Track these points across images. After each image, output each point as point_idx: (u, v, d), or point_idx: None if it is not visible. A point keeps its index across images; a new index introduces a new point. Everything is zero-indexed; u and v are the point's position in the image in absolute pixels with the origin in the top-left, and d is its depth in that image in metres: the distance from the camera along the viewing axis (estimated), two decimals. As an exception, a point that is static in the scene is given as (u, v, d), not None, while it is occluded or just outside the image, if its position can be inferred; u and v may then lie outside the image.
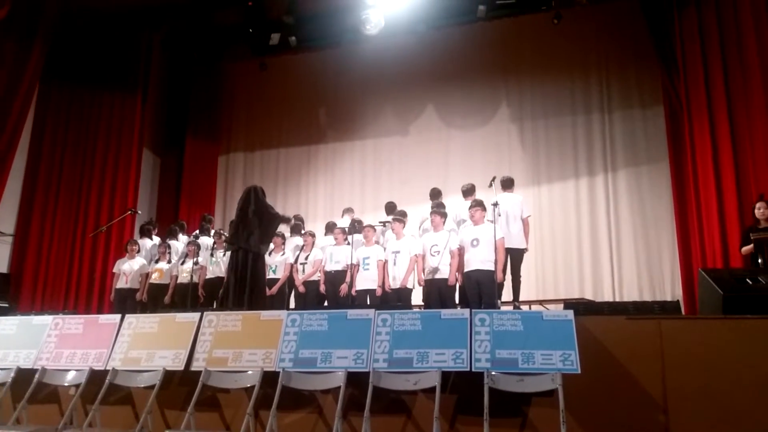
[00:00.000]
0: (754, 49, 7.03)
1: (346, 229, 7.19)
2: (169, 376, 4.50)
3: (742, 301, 4.07)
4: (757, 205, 5.99)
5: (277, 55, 10.50)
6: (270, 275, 6.91)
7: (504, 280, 6.49)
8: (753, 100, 6.99)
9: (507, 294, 6.80)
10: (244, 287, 5.68)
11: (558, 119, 9.49)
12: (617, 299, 8.31)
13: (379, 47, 9.93)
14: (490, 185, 6.44)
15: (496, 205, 6.22)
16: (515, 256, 6.79)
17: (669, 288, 8.30)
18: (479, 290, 6.05)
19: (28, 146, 9.19)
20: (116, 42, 9.92)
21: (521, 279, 6.83)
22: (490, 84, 9.98)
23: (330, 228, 7.83)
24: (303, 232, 7.69)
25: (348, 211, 8.19)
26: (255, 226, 5.83)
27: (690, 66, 7.57)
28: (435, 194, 7.45)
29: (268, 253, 6.91)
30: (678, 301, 4.64)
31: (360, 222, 7.34)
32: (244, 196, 6.00)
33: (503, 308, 6.07)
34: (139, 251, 8.01)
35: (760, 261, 5.32)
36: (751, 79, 7.04)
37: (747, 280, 4.27)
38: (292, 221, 7.04)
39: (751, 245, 5.63)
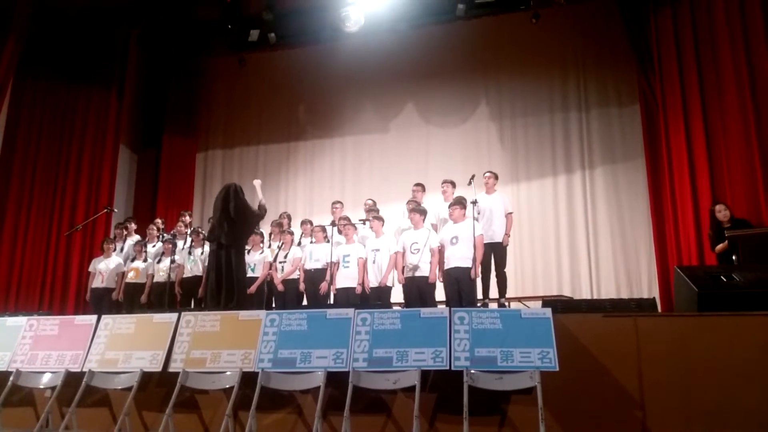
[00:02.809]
0: (728, 48, 7.13)
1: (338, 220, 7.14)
2: (146, 377, 4.47)
3: (717, 298, 4.13)
4: (717, 207, 6.15)
5: (256, 52, 10.41)
6: (249, 274, 6.85)
7: (478, 275, 6.52)
8: (726, 98, 7.09)
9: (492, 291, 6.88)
10: (226, 286, 5.62)
11: (536, 117, 9.56)
12: (595, 296, 8.41)
13: (359, 45, 9.91)
14: (470, 183, 6.48)
15: (475, 203, 6.27)
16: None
17: (645, 285, 8.40)
18: (458, 288, 6.09)
19: (1, 144, 8.96)
20: (92, 37, 9.73)
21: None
22: (470, 82, 10.01)
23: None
24: (282, 230, 7.65)
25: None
26: (235, 224, 5.78)
27: (665, 65, 7.67)
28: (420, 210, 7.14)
29: (246, 251, 6.86)
30: (654, 298, 4.71)
31: (347, 218, 7.31)
32: (223, 193, 5.93)
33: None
34: (115, 250, 7.90)
35: (734, 258, 5.42)
36: (724, 78, 7.14)
37: (722, 277, 4.33)
38: (265, 211, 6.92)
39: (726, 242, 5.73)
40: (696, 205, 7.15)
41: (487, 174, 7.16)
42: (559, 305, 4.45)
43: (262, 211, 6.20)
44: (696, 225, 7.08)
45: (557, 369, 3.78)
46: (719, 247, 5.93)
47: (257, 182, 6.55)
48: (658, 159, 7.89)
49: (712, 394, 3.68)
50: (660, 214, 7.90)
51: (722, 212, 6.08)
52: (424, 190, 7.59)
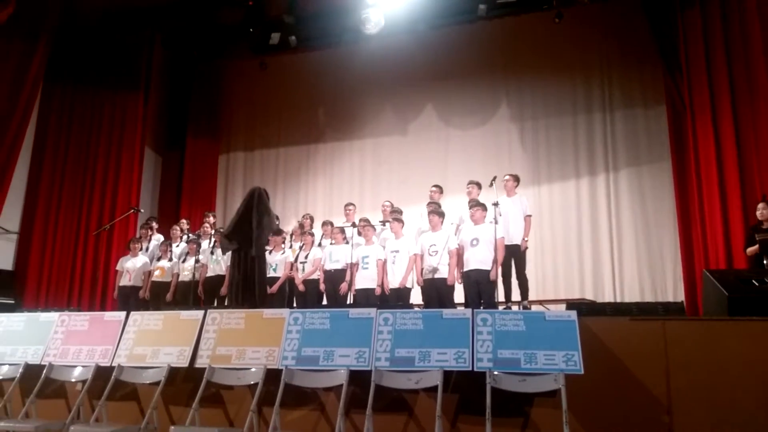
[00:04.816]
0: (760, 47, 6.98)
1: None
2: (173, 372, 4.52)
3: (748, 302, 4.06)
4: (759, 205, 6.00)
5: (277, 55, 10.50)
6: (270, 274, 6.92)
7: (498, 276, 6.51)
8: (758, 98, 6.96)
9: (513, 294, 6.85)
10: (248, 285, 5.70)
11: (559, 119, 9.47)
12: (618, 300, 8.30)
13: (379, 47, 9.93)
14: (491, 185, 6.46)
15: (496, 204, 6.25)
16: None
17: (671, 289, 8.28)
18: (478, 290, 6.08)
19: (32, 145, 9.20)
20: (118, 41, 9.93)
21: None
22: (491, 83, 9.96)
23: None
24: (303, 231, 7.71)
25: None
26: (258, 226, 5.86)
27: (693, 65, 7.54)
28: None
29: (268, 251, 6.94)
30: (682, 302, 4.65)
31: (367, 220, 7.36)
32: (249, 196, 6.03)
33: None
34: (141, 249, 8.04)
35: (765, 262, 5.32)
36: (755, 77, 7.00)
37: (753, 281, 4.26)
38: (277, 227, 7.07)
39: (757, 246, 5.63)
40: (724, 208, 7.03)
41: (507, 177, 7.13)
42: (584, 308, 4.41)
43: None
44: (724, 228, 6.96)
45: (582, 372, 3.74)
46: (750, 250, 5.82)
47: None
48: (685, 161, 7.78)
49: (741, 400, 3.62)
50: (686, 217, 7.78)
51: (760, 210, 5.87)
52: (441, 191, 7.60)
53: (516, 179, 7.11)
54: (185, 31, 10.60)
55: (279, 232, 6.54)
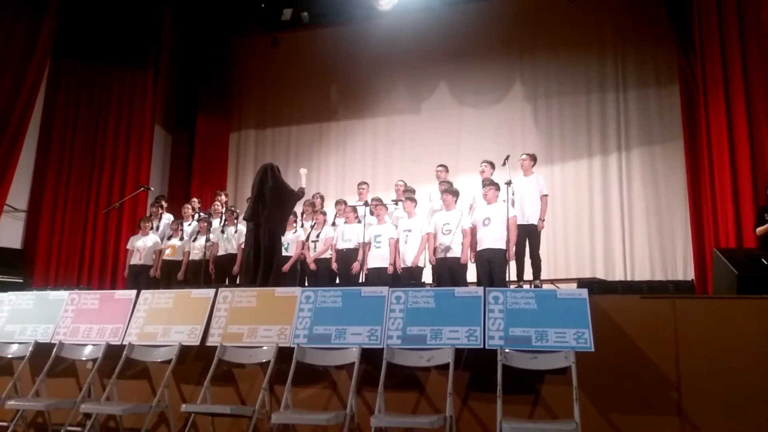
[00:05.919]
0: (775, 28, 6.86)
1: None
2: (184, 351, 4.54)
3: (757, 281, 4.05)
4: None
5: (289, 31, 10.42)
6: (283, 253, 6.92)
7: (513, 258, 6.50)
8: (771, 80, 6.85)
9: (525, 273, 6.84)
10: (263, 263, 5.71)
11: (572, 97, 9.40)
12: (629, 279, 8.31)
13: (393, 23, 9.83)
14: (504, 164, 6.42)
15: (509, 183, 6.21)
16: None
17: (681, 268, 8.27)
18: (490, 269, 6.07)
19: (39, 122, 9.15)
20: (127, 17, 9.82)
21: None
22: (505, 61, 9.87)
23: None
24: (315, 210, 7.71)
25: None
26: (273, 203, 5.85)
27: (707, 44, 7.41)
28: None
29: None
30: (692, 281, 4.63)
31: (379, 199, 7.34)
32: (261, 173, 6.01)
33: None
34: (152, 228, 8.07)
35: (774, 242, 5.28)
36: (769, 56, 6.89)
37: (762, 260, 4.25)
38: (304, 192, 6.97)
39: (767, 225, 5.59)
40: (735, 187, 6.94)
41: (523, 156, 7.07)
42: (595, 286, 4.39)
43: (299, 193, 6.28)
44: (735, 208, 6.88)
45: (593, 350, 3.75)
46: (760, 229, 5.78)
47: (303, 171, 6.72)
48: (697, 141, 7.69)
49: (750, 378, 3.62)
50: (697, 197, 7.73)
51: None
52: (447, 170, 7.56)
53: (533, 158, 7.05)
54: (195, 7, 10.50)
55: (302, 194, 6.45)
